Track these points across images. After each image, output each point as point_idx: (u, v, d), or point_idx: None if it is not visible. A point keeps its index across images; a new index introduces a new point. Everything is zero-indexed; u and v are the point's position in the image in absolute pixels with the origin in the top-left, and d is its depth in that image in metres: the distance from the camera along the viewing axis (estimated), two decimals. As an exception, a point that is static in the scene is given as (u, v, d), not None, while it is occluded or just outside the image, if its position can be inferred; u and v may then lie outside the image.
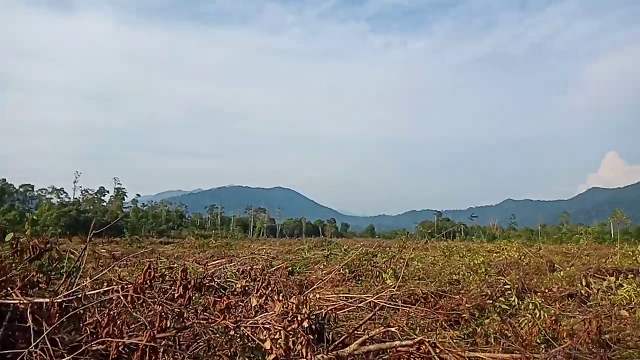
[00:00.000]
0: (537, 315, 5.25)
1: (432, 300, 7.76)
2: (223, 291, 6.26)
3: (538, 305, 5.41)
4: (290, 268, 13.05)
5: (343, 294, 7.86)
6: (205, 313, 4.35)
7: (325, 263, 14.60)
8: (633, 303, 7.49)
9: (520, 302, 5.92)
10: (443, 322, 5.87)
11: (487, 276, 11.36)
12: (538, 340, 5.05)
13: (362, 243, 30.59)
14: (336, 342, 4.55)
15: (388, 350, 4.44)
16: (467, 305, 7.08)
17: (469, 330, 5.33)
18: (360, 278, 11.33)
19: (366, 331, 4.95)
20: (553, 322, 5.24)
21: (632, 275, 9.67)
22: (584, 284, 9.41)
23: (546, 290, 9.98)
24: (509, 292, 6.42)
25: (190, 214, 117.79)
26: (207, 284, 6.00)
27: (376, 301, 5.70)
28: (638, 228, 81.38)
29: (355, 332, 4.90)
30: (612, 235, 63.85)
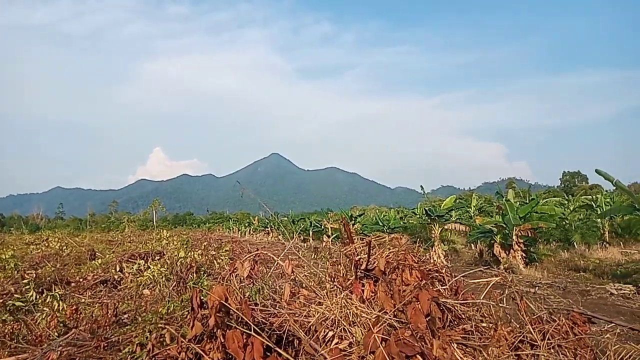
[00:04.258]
0: (57, 307, 5.06)
1: None
2: None
3: (58, 296, 5.22)
4: None
5: None
6: None
7: None
8: (155, 281, 8.51)
9: (40, 296, 5.53)
10: None
11: (15, 272, 10.11)
12: (57, 333, 4.87)
13: None
14: None
15: None
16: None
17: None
18: None
19: None
20: (74, 311, 5.21)
21: (158, 257, 11.04)
22: (117, 269, 9.98)
23: (81, 280, 10.00)
24: (27, 287, 5.87)
25: None
26: None
27: None
28: (175, 215, 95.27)
29: None
30: (154, 222, 71.56)
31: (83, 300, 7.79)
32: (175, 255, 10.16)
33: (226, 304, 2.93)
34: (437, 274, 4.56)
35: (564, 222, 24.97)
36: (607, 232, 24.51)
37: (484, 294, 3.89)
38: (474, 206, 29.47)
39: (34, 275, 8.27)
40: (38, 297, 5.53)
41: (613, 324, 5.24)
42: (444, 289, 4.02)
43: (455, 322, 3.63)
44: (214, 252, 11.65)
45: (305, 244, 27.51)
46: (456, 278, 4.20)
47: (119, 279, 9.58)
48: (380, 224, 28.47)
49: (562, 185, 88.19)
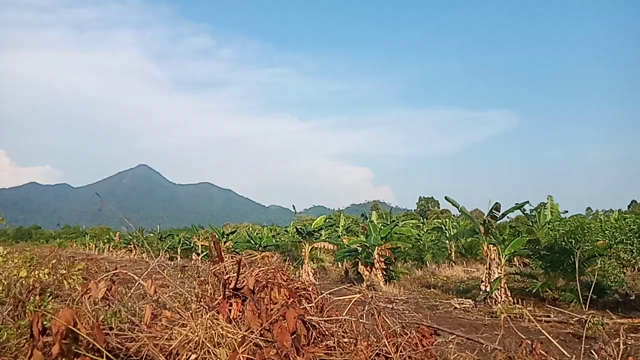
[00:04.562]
0: None
1: None
2: None
3: None
4: None
5: None
6: None
7: None
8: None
9: None
10: None
11: None
12: None
13: None
14: None
15: None
16: None
17: None
18: None
19: None
20: None
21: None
22: None
23: None
24: None
25: None
26: None
27: None
28: (18, 229, 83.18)
29: None
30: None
31: None
32: (15, 275, 8.83)
33: (75, 329, 2.64)
34: (304, 292, 4.69)
35: (419, 243, 27.59)
36: (453, 253, 27.71)
37: (347, 310, 4.12)
38: (342, 226, 30.98)
39: None
40: None
41: (454, 336, 5.94)
42: (311, 306, 4.15)
43: (320, 339, 3.77)
44: (65, 271, 10.40)
45: (173, 262, 26.09)
46: (322, 295, 4.37)
47: None
48: (253, 241, 28.32)
49: (418, 209, 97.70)
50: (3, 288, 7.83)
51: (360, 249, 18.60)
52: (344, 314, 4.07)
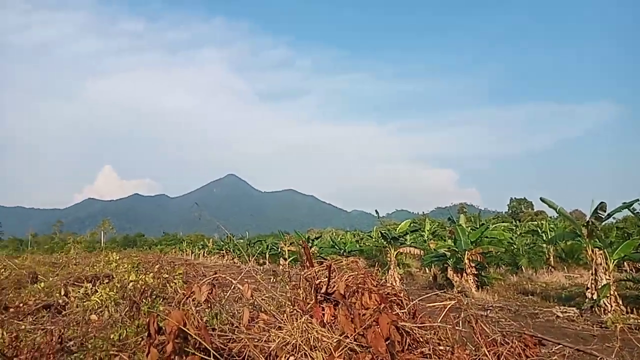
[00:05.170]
0: (-6, 335, 4.72)
1: None
2: None
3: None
4: None
5: None
6: None
7: None
8: (103, 306, 8.12)
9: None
10: None
11: (-54, 297, 9.38)
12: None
13: None
14: None
15: None
16: None
17: None
18: None
19: None
20: (14, 339, 4.87)
21: (107, 280, 10.54)
22: (62, 293, 9.44)
23: (21, 305, 9.36)
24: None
25: None
26: None
27: None
28: (125, 236, 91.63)
29: None
30: (102, 244, 68.46)
31: (23, 326, 7.28)
32: (126, 279, 9.75)
33: (185, 330, 2.85)
34: (395, 298, 4.64)
35: (512, 247, 26.00)
36: (552, 257, 25.73)
37: (441, 317, 3.99)
38: (427, 230, 30.16)
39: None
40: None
41: (561, 346, 5.48)
42: (403, 312, 4.09)
43: (414, 346, 3.70)
44: (167, 275, 11.27)
45: (262, 267, 27.11)
46: (414, 302, 4.29)
47: (63, 304, 9.05)
48: (337, 247, 28.55)
49: (510, 211, 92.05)
50: (117, 290, 8.69)
51: (449, 253, 17.95)
52: (438, 321, 3.95)
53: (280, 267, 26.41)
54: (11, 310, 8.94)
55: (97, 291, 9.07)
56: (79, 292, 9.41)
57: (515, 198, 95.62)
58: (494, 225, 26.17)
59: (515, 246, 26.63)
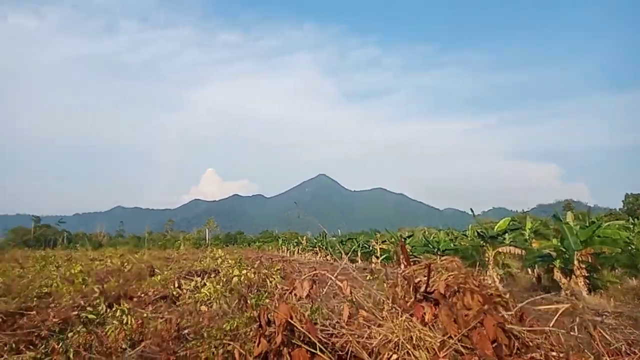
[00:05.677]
0: (125, 321, 5.34)
1: (7, 320, 6.61)
2: None
3: (126, 311, 5.52)
4: None
5: None
6: None
7: None
8: (212, 298, 8.77)
9: (109, 310, 5.85)
10: (18, 345, 5.09)
11: (84, 286, 10.76)
12: (124, 346, 5.13)
13: None
14: None
15: None
16: (54, 320, 6.45)
17: (48, 348, 4.83)
18: None
19: None
20: (140, 325, 5.47)
21: (214, 275, 11.37)
22: (176, 285, 10.37)
23: (142, 295, 10.45)
24: (98, 301, 6.24)
25: None
26: None
27: None
28: (226, 234, 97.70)
29: None
30: (207, 241, 73.63)
31: (145, 314, 8.13)
32: (230, 274, 10.44)
33: (292, 322, 3.00)
34: (499, 299, 4.43)
35: (629, 247, 23.35)
36: (681, 259, 22.64)
37: (553, 321, 3.74)
38: (528, 229, 28.14)
39: (101, 289, 8.75)
40: (107, 310, 5.86)
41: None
42: (510, 314, 3.90)
43: (523, 350, 3.51)
44: (266, 271, 11.84)
45: (354, 265, 27.31)
46: (522, 304, 4.06)
47: (177, 295, 9.92)
48: (430, 246, 27.79)
49: (625, 208, 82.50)
50: (223, 284, 9.35)
51: (555, 254, 16.63)
52: (549, 325, 3.71)
53: (373, 265, 26.40)
54: (134, 299, 10.03)
55: (205, 284, 9.80)
56: (190, 285, 10.25)
57: (631, 194, 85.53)
58: (607, 224, 23.74)
59: (633, 246, 23.87)
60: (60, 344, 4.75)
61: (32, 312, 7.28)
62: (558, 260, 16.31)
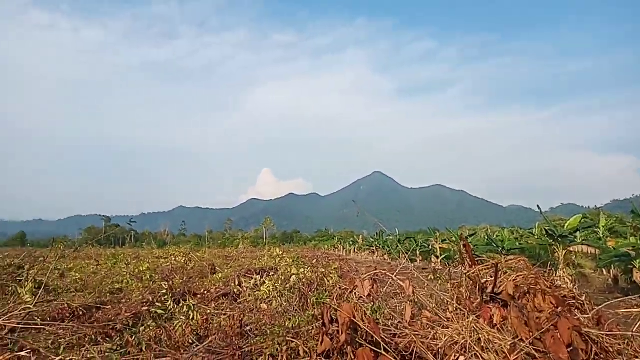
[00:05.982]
0: (191, 317, 5.54)
1: (86, 313, 7.10)
2: None
3: (192, 307, 5.73)
4: None
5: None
6: None
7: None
8: (271, 296, 8.93)
9: (176, 306, 6.11)
10: (96, 336, 5.45)
11: (151, 283, 11.34)
12: (191, 341, 5.34)
13: (6, 253, 25.43)
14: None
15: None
16: (126, 314, 6.84)
17: (122, 341, 5.13)
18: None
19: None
20: (205, 321, 5.66)
21: (272, 273, 11.57)
22: (236, 283, 10.66)
23: (205, 292, 10.85)
24: (165, 297, 6.54)
25: None
26: None
27: (3, 323, 4.73)
28: (283, 233, 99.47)
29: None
30: (264, 239, 75.27)
31: (209, 311, 8.42)
32: (289, 272, 10.59)
33: (355, 322, 2.97)
34: (574, 301, 4.15)
35: None
36: None
37: (637, 326, 3.44)
38: (602, 226, 26.30)
39: (167, 286, 9.17)
40: (174, 306, 6.12)
41: None
42: (586, 318, 3.64)
43: (602, 356, 3.26)
44: (323, 270, 11.88)
45: (413, 265, 26.83)
46: (600, 307, 3.77)
47: (238, 293, 10.20)
48: (494, 244, 26.71)
49: None
50: (282, 283, 9.49)
51: (634, 253, 15.40)
52: (632, 330, 3.42)
53: (432, 264, 25.80)
54: (198, 296, 10.44)
55: (264, 282, 10.00)
56: (250, 282, 10.50)
57: None
58: (693, 220, 21.62)
59: None
60: (134, 337, 5.02)
61: (107, 307, 7.77)
62: (638, 260, 15.10)
